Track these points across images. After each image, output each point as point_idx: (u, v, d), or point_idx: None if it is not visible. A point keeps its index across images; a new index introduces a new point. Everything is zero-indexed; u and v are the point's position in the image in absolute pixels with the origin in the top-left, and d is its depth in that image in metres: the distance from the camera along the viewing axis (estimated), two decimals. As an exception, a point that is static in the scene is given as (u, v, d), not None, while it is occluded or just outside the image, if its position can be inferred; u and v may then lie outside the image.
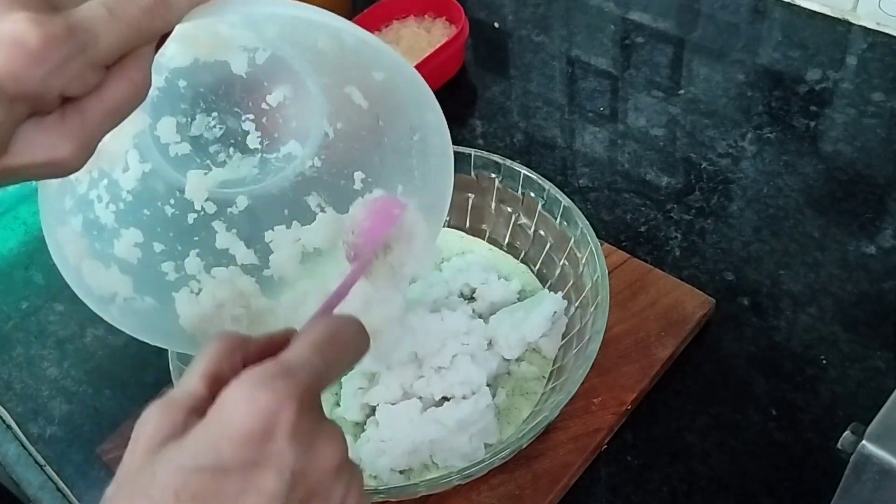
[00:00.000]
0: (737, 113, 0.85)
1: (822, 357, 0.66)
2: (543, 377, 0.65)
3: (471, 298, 0.69)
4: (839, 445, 0.42)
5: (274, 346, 0.37)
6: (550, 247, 0.69)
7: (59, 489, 0.67)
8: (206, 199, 0.54)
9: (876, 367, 0.64)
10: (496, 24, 1.00)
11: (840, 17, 0.91)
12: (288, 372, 0.32)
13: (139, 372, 0.73)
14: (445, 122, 0.50)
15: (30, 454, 0.69)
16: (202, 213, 0.55)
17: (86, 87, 0.33)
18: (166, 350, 0.62)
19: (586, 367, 0.57)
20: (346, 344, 0.36)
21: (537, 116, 0.88)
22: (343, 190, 0.55)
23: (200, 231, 0.55)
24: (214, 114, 0.53)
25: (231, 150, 0.54)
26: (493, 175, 0.70)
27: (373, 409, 0.63)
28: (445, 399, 0.62)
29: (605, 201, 0.79)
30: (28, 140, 0.33)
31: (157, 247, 0.53)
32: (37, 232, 0.88)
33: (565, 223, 0.67)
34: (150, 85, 0.36)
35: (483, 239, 0.74)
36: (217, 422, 0.31)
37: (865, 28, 0.90)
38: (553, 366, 0.65)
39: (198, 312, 0.53)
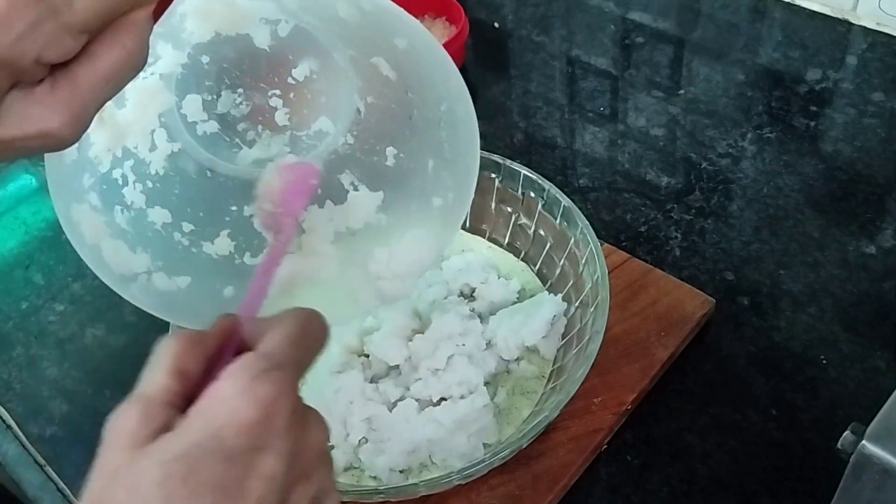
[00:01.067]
0: (737, 113, 0.85)
1: (822, 357, 0.66)
2: (543, 376, 0.65)
3: (471, 297, 0.69)
4: (839, 445, 0.42)
5: (226, 337, 0.38)
6: (550, 247, 0.69)
7: (59, 489, 0.67)
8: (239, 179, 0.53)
9: (876, 367, 0.64)
10: (496, 24, 1.00)
11: (840, 17, 0.91)
12: (279, 365, 0.34)
13: (139, 372, 0.73)
14: (467, 89, 0.49)
15: (30, 454, 0.69)
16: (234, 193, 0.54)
17: (63, 52, 0.32)
18: (166, 350, 0.62)
19: (586, 367, 0.57)
20: (316, 337, 0.38)
21: (537, 116, 0.88)
22: (376, 167, 0.54)
23: (232, 212, 0.54)
24: (240, 90, 0.52)
25: (260, 127, 0.53)
26: (493, 175, 0.70)
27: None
28: (444, 399, 0.62)
29: (605, 201, 0.79)
30: (17, 111, 0.33)
31: (187, 227, 0.53)
32: (37, 232, 0.88)
33: (565, 223, 0.67)
34: (145, 54, 0.35)
35: (483, 239, 0.74)
36: (216, 412, 0.33)
37: (865, 28, 0.90)
38: (553, 366, 0.65)
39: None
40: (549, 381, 0.64)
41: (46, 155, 0.45)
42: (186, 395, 0.35)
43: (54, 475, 0.68)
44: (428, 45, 0.47)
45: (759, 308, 0.69)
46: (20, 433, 0.71)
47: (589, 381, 0.58)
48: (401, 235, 0.54)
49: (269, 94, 0.52)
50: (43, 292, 0.82)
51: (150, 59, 0.48)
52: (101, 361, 0.75)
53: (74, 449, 0.69)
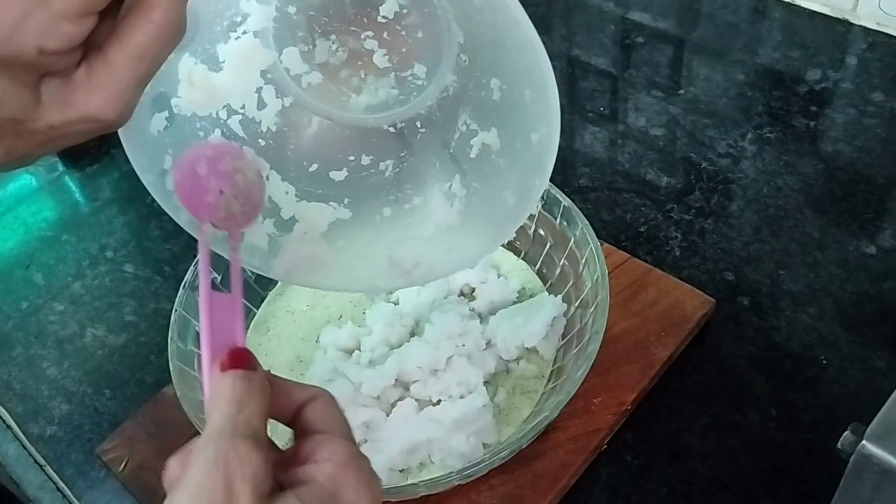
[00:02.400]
0: (737, 113, 0.85)
1: (822, 357, 0.66)
2: (543, 376, 0.65)
3: (470, 297, 0.69)
4: (839, 445, 0.42)
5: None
6: (550, 247, 0.69)
7: (59, 489, 0.67)
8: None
9: (876, 367, 0.64)
10: (496, 24, 1.00)
11: (840, 17, 0.91)
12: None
13: (139, 372, 0.73)
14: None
15: (30, 454, 0.69)
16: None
17: (68, 40, 0.32)
18: (166, 350, 0.62)
19: (586, 367, 0.57)
20: None
21: (537, 116, 0.88)
22: (484, 102, 0.51)
23: (350, 161, 0.53)
24: (333, 36, 0.50)
25: (362, 72, 0.51)
26: (493, 175, 0.70)
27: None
28: (443, 399, 0.62)
29: (605, 201, 0.79)
30: (59, 98, 0.33)
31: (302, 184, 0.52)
32: (37, 232, 0.88)
33: (565, 223, 0.67)
34: (179, 25, 0.34)
35: (483, 239, 0.74)
36: (342, 494, 0.36)
37: (865, 28, 0.90)
38: (553, 366, 0.65)
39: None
40: (549, 380, 0.64)
41: (124, 132, 0.44)
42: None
43: (54, 475, 0.68)
44: None
45: (759, 308, 0.69)
46: (20, 433, 0.71)
47: (589, 381, 0.58)
48: (505, 183, 0.51)
49: (363, 36, 0.50)
50: (43, 292, 0.82)
51: (236, 19, 0.47)
52: (101, 361, 0.75)
53: (74, 449, 0.69)
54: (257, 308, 0.72)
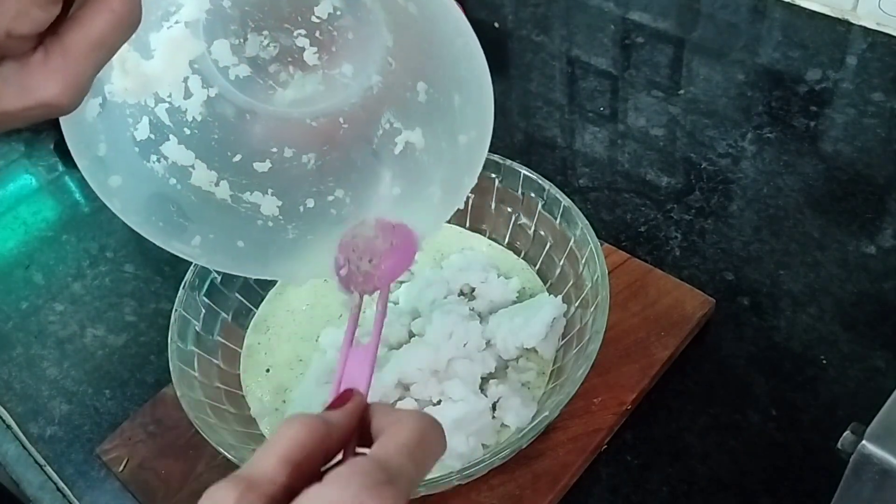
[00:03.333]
0: (737, 113, 0.85)
1: (822, 357, 0.66)
2: (544, 373, 0.65)
3: (470, 297, 0.69)
4: (839, 445, 0.42)
5: (353, 430, 0.37)
6: (550, 247, 0.69)
7: (59, 489, 0.67)
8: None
9: (876, 367, 0.64)
10: (496, 24, 1.00)
11: (840, 17, 0.91)
12: (391, 479, 0.32)
13: (139, 372, 0.73)
14: (470, 25, 0.48)
15: (30, 454, 0.69)
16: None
17: (36, 24, 0.32)
18: (166, 350, 0.62)
19: (586, 367, 0.57)
20: (432, 450, 0.36)
21: (537, 116, 0.88)
22: (409, 103, 0.53)
23: (273, 154, 0.55)
24: (265, 32, 0.51)
25: (291, 68, 0.52)
26: (493, 175, 0.70)
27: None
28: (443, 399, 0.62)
29: (605, 201, 0.79)
30: (15, 83, 0.33)
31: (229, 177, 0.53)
32: (37, 232, 0.88)
33: (565, 223, 0.67)
34: (136, 13, 0.34)
35: (483, 237, 0.74)
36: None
37: (865, 28, 0.90)
38: (553, 366, 0.65)
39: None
40: (549, 380, 0.64)
41: (65, 118, 0.45)
42: (293, 489, 0.32)
43: (54, 475, 0.68)
44: None
45: (759, 308, 0.69)
46: (20, 433, 0.71)
47: (589, 381, 0.58)
48: (430, 180, 0.53)
49: (295, 34, 0.51)
50: (43, 292, 0.82)
51: (171, 9, 0.48)
52: (101, 361, 0.75)
53: (74, 449, 0.69)
54: (257, 307, 0.72)
